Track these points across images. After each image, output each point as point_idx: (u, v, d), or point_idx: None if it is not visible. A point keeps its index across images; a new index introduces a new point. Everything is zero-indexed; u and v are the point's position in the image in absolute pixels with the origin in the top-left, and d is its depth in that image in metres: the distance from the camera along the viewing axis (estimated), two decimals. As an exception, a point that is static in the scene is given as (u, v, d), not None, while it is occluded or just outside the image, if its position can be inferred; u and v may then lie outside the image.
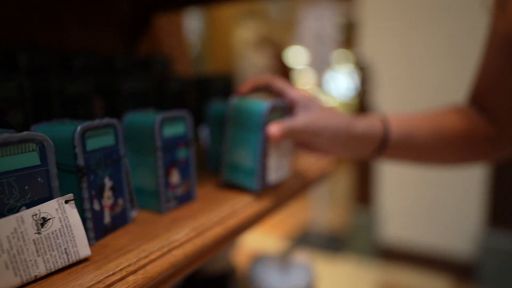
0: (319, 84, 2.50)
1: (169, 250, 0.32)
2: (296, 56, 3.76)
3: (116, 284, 0.27)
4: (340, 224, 2.25)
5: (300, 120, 0.43)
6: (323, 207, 2.23)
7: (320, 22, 2.18)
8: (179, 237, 0.34)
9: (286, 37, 4.02)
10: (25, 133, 0.26)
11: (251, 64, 3.83)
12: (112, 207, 0.34)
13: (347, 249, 2.00)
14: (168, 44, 0.84)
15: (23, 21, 0.59)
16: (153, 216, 0.39)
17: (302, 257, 0.65)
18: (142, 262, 0.30)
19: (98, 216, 0.33)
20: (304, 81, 3.15)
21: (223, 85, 0.62)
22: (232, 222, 0.39)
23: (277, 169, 0.45)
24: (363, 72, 1.85)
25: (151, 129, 0.37)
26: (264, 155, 0.43)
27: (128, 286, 0.28)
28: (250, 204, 0.43)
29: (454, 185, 1.67)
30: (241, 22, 4.00)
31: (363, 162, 1.91)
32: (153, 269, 0.30)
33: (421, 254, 1.79)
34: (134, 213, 0.37)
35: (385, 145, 0.45)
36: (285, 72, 3.87)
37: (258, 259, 0.65)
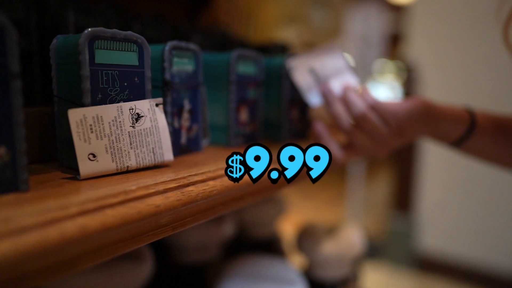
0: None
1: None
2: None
3: (198, 184, 0.29)
4: (377, 231, 2.19)
5: None
6: (359, 212, 2.18)
7: (366, 24, 2.17)
8: (251, 161, 0.35)
9: (328, 42, 4.01)
10: (129, 32, 0.28)
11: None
12: (188, 130, 0.36)
13: (382, 256, 1.94)
14: (224, 22, 0.86)
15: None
16: (222, 148, 0.40)
17: (351, 229, 0.65)
18: (220, 172, 0.31)
19: (176, 133, 0.35)
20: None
21: (280, 51, 0.64)
22: (297, 161, 0.39)
23: None
24: (409, 74, 1.81)
25: (227, 63, 0.39)
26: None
27: (208, 188, 0.29)
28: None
29: (503, 193, 1.59)
30: (283, 27, 4.04)
31: (402, 166, 1.86)
32: (230, 181, 0.31)
33: (463, 268, 1.70)
34: (206, 142, 0.39)
35: (474, 125, 0.43)
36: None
37: (308, 228, 0.65)
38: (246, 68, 0.41)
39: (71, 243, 0.20)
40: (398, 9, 3.19)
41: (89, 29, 0.26)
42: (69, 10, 0.37)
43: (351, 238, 0.62)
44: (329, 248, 0.60)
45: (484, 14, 1.54)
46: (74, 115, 0.25)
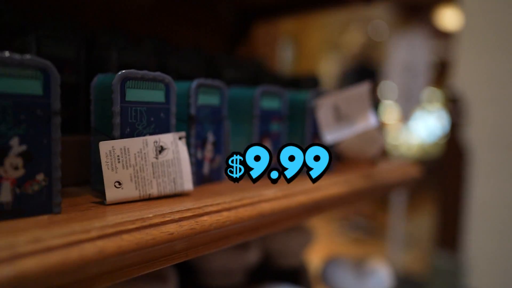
0: (405, 120, 2.41)
1: (259, 201, 0.34)
2: (381, 90, 3.68)
3: (212, 214, 0.30)
4: (418, 269, 2.08)
5: None
6: (400, 246, 2.08)
7: (411, 52, 2.13)
8: (268, 193, 0.36)
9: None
10: (157, 73, 0.31)
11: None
12: (211, 161, 0.38)
13: (423, 294, 1.83)
14: (262, 53, 0.90)
15: (146, 18, 0.69)
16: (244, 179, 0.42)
17: (378, 263, 0.63)
18: (235, 204, 0.33)
19: (199, 164, 0.37)
20: (388, 116, 3.07)
21: (312, 84, 0.65)
22: (316, 195, 0.40)
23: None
24: (455, 105, 1.74)
25: (252, 98, 0.41)
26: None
27: (222, 218, 0.31)
28: (334, 185, 0.44)
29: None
30: (326, 55, 4.07)
31: (448, 200, 1.76)
32: (244, 212, 0.33)
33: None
34: (228, 172, 0.41)
35: None
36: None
37: (333, 261, 0.64)
38: (270, 103, 0.43)
39: (89, 264, 0.23)
40: (445, 36, 3.11)
41: (122, 71, 0.29)
42: (113, 49, 0.42)
43: (378, 273, 0.60)
44: (355, 281, 0.59)
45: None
46: (104, 146, 0.28)
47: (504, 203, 1.57)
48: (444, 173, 1.82)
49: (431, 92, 3.39)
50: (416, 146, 3.53)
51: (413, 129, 3.30)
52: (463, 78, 1.71)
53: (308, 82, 0.65)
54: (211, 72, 0.56)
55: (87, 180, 0.36)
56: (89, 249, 0.23)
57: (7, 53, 0.23)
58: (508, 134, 1.56)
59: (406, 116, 2.31)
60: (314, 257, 0.84)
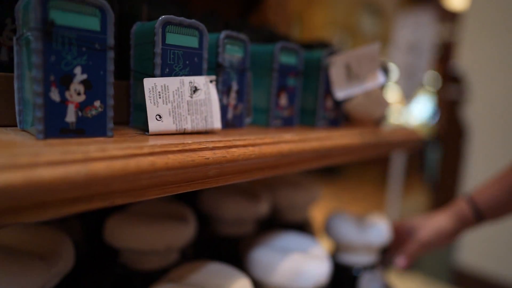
0: (406, 101, 2.43)
1: (279, 142, 0.39)
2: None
3: (240, 147, 0.34)
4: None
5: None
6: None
7: (416, 32, 2.14)
8: (286, 136, 0.40)
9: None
10: (192, 20, 0.35)
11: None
12: (234, 107, 0.42)
13: (415, 268, 1.91)
14: (273, 22, 0.92)
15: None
16: (262, 128, 0.46)
17: (378, 217, 0.68)
18: (259, 141, 0.37)
19: (224, 109, 0.41)
20: (390, 96, 3.08)
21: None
22: (328, 143, 0.44)
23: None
24: (458, 84, 1.77)
25: (272, 53, 0.45)
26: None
27: (248, 152, 0.35)
28: (344, 136, 0.48)
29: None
30: (331, 35, 4.06)
31: (439, 184, 1.82)
32: (267, 149, 0.37)
33: (499, 286, 1.64)
34: (248, 121, 0.45)
35: (481, 216, 0.59)
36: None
37: (336, 215, 0.69)
38: (287, 59, 0.46)
39: (143, 174, 0.27)
40: (450, 19, 3.10)
41: (163, 16, 0.33)
42: (144, 4, 0.45)
43: (378, 226, 0.65)
44: (356, 232, 0.64)
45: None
46: (148, 82, 0.32)
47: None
48: (442, 151, 1.87)
49: (432, 75, 3.41)
50: (415, 127, 3.57)
51: (413, 110, 3.33)
52: (467, 58, 1.73)
53: (321, 47, 0.68)
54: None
55: (120, 121, 0.39)
56: (143, 162, 0.27)
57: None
58: (509, 115, 1.59)
59: (407, 97, 2.33)
60: (317, 213, 0.90)
